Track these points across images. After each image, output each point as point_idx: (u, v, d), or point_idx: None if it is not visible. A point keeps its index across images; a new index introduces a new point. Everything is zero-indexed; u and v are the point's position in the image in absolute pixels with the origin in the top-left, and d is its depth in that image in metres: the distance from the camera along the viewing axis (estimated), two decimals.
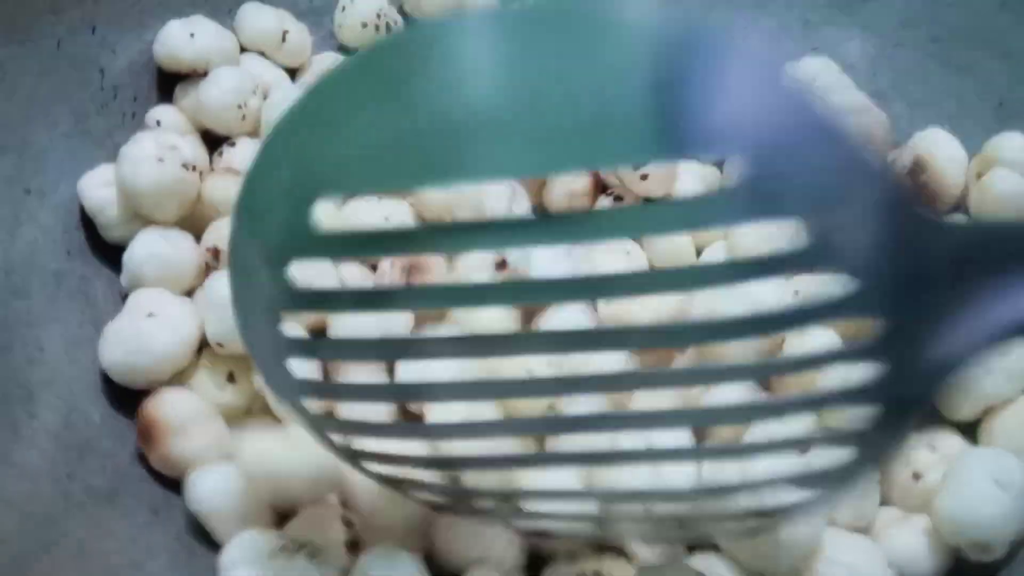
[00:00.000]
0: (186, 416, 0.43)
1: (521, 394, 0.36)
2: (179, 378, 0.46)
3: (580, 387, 0.33)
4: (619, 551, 0.42)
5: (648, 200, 0.51)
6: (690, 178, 0.53)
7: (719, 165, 0.56)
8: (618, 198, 0.52)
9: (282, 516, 0.42)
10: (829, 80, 0.57)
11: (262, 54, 0.59)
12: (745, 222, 0.24)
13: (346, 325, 0.44)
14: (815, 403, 0.32)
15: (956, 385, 0.42)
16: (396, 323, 0.45)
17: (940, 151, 0.53)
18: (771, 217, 0.24)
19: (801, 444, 0.34)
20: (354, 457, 0.35)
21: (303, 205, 0.25)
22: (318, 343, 0.40)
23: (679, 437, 0.42)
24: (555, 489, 0.39)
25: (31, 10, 0.50)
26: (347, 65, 0.25)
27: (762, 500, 0.35)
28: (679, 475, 0.40)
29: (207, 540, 0.43)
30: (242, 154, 0.54)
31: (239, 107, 0.54)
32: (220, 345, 0.45)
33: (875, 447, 0.30)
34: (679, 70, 0.22)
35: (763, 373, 0.42)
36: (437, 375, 0.41)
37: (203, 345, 0.47)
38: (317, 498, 0.42)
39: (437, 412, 0.42)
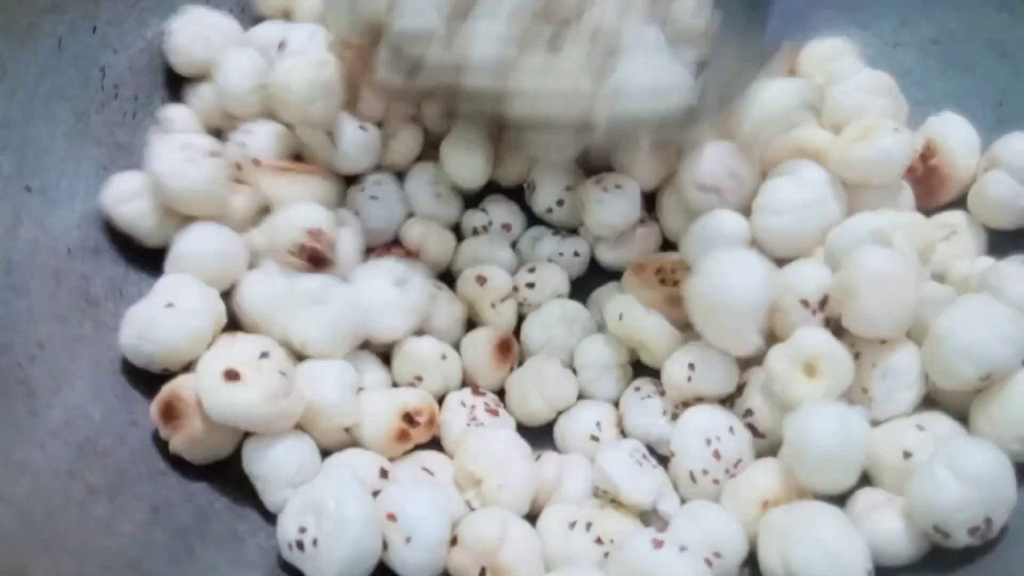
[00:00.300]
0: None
1: None
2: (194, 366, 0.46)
3: None
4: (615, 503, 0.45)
5: None
6: None
7: None
8: None
9: None
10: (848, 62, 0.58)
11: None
12: None
13: None
14: None
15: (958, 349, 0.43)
16: None
17: (952, 135, 0.54)
18: None
19: None
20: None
21: None
22: None
23: None
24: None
25: (32, 9, 0.50)
26: None
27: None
28: None
29: (207, 540, 0.43)
30: (259, 139, 0.54)
31: (261, 87, 0.54)
32: None
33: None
34: None
35: None
36: None
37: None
38: None
39: None
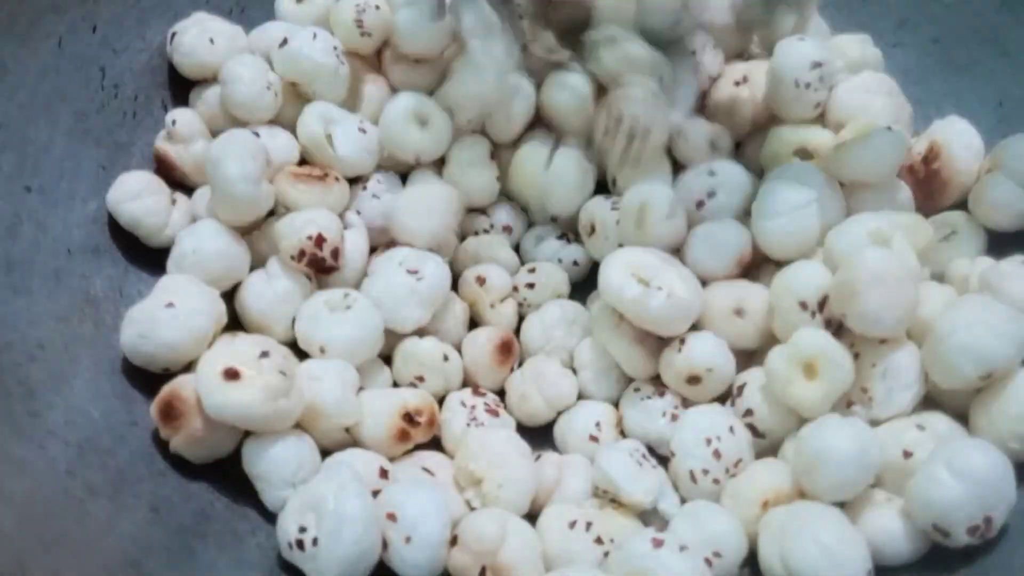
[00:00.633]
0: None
1: None
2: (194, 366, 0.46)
3: None
4: (615, 503, 0.45)
5: None
6: None
7: None
8: None
9: None
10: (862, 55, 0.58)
11: None
12: None
13: None
14: None
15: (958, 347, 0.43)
16: None
17: (957, 140, 0.54)
18: None
19: None
20: None
21: None
22: None
23: None
24: None
25: (32, 9, 0.50)
26: None
27: None
28: None
29: (207, 540, 0.43)
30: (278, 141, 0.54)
31: (268, 88, 0.54)
32: None
33: None
34: None
35: None
36: None
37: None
38: None
39: None
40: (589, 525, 0.44)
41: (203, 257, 0.49)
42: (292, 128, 0.55)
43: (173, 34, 0.56)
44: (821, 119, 0.56)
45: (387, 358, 0.52)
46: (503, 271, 0.55)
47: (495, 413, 0.50)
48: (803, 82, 0.53)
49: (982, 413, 0.44)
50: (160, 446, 0.45)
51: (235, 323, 0.50)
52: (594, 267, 0.56)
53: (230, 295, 0.51)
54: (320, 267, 0.50)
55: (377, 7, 0.58)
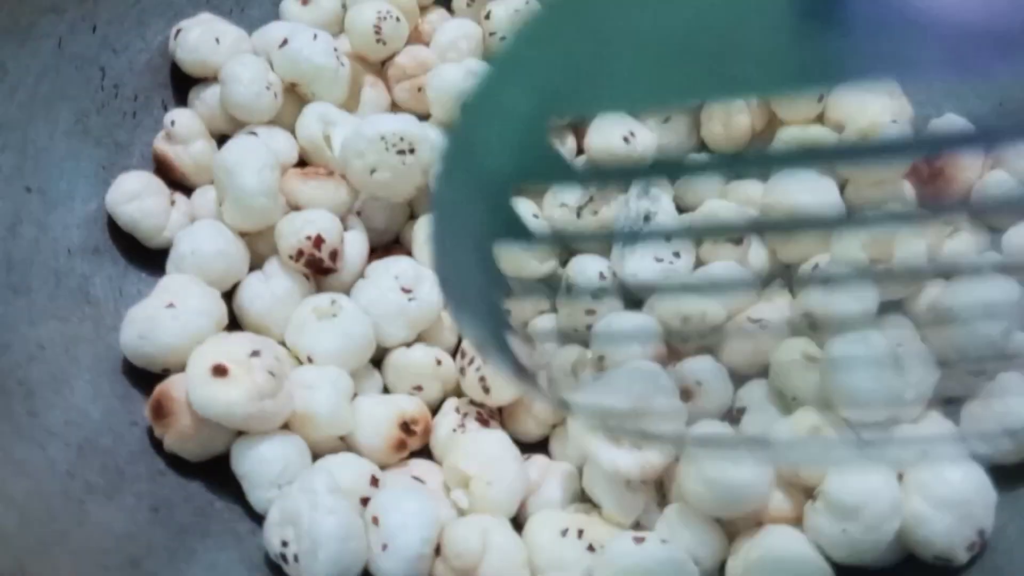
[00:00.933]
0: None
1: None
2: None
3: None
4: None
5: None
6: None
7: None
8: None
9: None
10: None
11: None
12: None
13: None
14: None
15: None
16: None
17: None
18: None
19: None
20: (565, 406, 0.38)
21: (539, 126, 0.25)
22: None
23: None
24: None
25: (32, 9, 0.50)
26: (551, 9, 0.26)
27: None
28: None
29: (207, 539, 0.43)
30: (276, 142, 0.54)
31: (267, 88, 0.54)
32: None
33: None
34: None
35: None
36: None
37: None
38: None
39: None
40: (581, 532, 0.43)
41: (202, 258, 0.49)
42: (291, 129, 0.55)
43: (178, 31, 0.56)
44: (820, 119, 0.55)
45: (376, 361, 0.51)
46: None
47: (485, 423, 0.49)
48: None
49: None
50: (160, 446, 0.45)
51: (235, 324, 0.50)
52: None
53: (229, 295, 0.50)
54: (318, 268, 0.50)
55: (398, 19, 0.58)
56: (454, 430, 0.48)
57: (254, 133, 0.54)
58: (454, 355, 0.52)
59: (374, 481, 0.45)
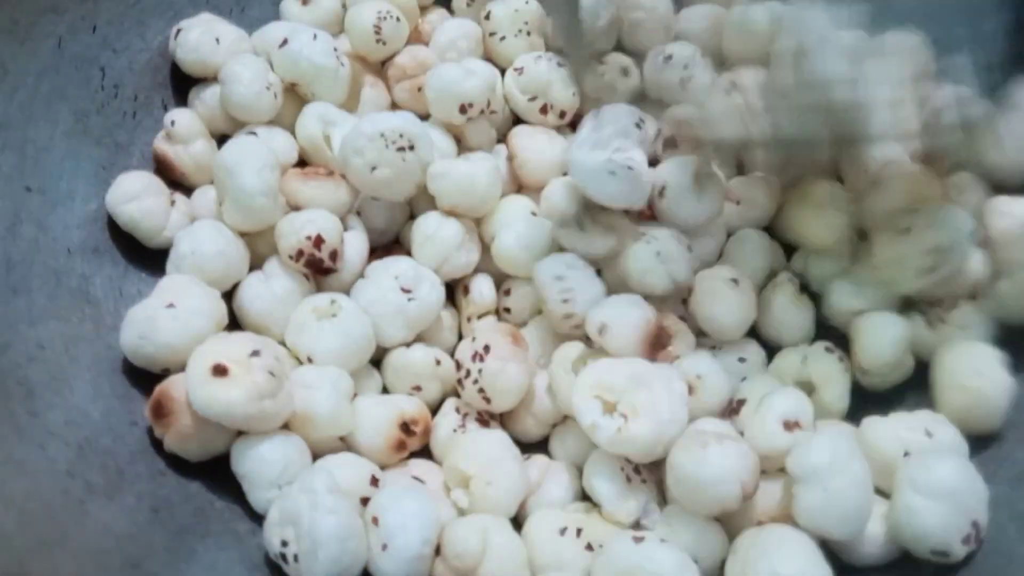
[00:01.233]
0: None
1: None
2: None
3: None
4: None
5: None
6: None
7: None
8: None
9: None
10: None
11: None
12: None
13: None
14: None
15: None
16: None
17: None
18: None
19: None
20: None
21: None
22: None
23: None
24: None
25: (32, 9, 0.50)
26: None
27: None
28: None
29: (207, 540, 0.43)
30: (276, 142, 0.54)
31: (267, 88, 0.54)
32: None
33: None
34: None
35: None
36: None
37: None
38: None
39: None
40: (580, 531, 0.43)
41: (202, 258, 0.49)
42: (291, 129, 0.55)
43: (178, 31, 0.56)
44: None
45: (375, 361, 0.51)
46: (490, 286, 0.53)
47: (485, 423, 0.49)
48: None
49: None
50: (160, 446, 0.45)
51: (235, 324, 0.50)
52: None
53: (229, 295, 0.50)
54: (318, 268, 0.50)
55: (398, 19, 0.58)
56: (454, 430, 0.48)
57: (254, 133, 0.54)
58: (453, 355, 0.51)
59: (374, 481, 0.45)
